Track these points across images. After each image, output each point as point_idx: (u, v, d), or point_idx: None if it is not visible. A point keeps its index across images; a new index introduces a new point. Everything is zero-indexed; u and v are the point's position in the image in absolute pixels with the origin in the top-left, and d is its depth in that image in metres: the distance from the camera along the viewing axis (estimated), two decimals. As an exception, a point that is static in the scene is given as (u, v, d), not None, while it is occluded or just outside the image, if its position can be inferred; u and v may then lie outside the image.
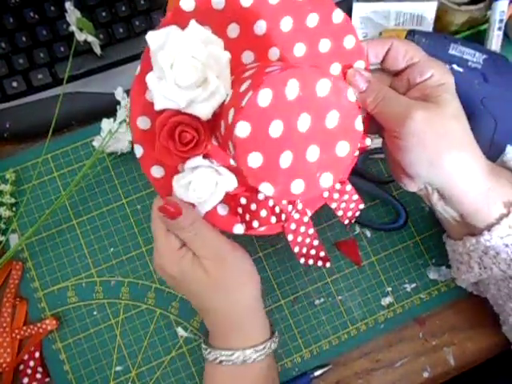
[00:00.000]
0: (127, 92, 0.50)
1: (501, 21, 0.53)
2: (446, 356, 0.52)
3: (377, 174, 0.55)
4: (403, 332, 0.52)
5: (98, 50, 0.53)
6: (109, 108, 0.52)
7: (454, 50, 0.49)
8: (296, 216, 0.44)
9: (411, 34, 0.50)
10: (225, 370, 0.42)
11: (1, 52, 0.53)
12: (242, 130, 0.32)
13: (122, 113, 0.49)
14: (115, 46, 0.55)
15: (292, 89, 0.32)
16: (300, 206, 0.43)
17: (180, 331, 0.51)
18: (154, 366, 0.50)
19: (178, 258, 0.40)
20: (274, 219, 0.40)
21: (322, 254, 0.47)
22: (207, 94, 0.36)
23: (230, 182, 0.40)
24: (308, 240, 0.46)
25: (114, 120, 0.50)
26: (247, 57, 0.40)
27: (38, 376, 0.49)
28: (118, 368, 0.50)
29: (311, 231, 0.46)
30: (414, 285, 0.53)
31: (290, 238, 0.45)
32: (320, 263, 0.48)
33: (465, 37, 0.56)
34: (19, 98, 0.53)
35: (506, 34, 0.56)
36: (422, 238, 0.54)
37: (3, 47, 0.53)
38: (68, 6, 0.50)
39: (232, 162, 0.39)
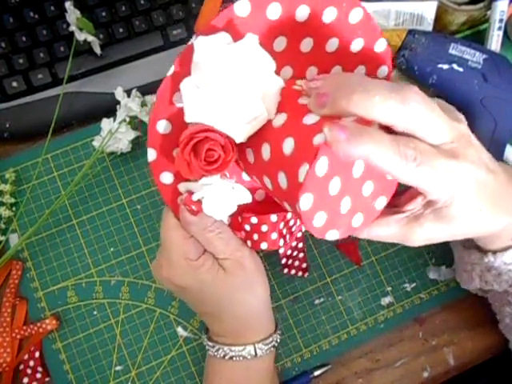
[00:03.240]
0: (127, 92, 0.50)
1: (501, 21, 0.53)
2: (446, 356, 0.52)
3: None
4: (403, 332, 0.52)
5: (97, 50, 0.53)
6: (109, 108, 0.52)
7: (454, 49, 0.49)
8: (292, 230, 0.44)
9: (411, 34, 0.50)
10: (234, 366, 0.43)
11: (1, 52, 0.53)
12: (306, 203, 0.32)
13: (121, 113, 0.49)
14: (115, 46, 0.55)
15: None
16: (298, 223, 0.43)
17: (180, 331, 0.51)
18: (154, 366, 0.50)
19: (195, 269, 0.40)
20: (281, 242, 0.40)
21: (304, 265, 0.49)
22: (249, 117, 0.34)
23: (243, 197, 0.38)
24: (295, 253, 0.47)
25: (114, 120, 0.50)
26: (287, 72, 0.38)
27: (38, 376, 0.49)
28: (118, 368, 0.50)
29: (301, 245, 0.47)
30: (413, 284, 0.53)
31: (281, 250, 0.45)
32: (300, 273, 0.50)
33: (465, 37, 0.56)
34: (19, 98, 0.53)
35: (506, 34, 0.56)
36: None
37: (3, 47, 0.53)
38: (68, 5, 0.50)
39: (245, 176, 0.38)
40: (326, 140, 0.31)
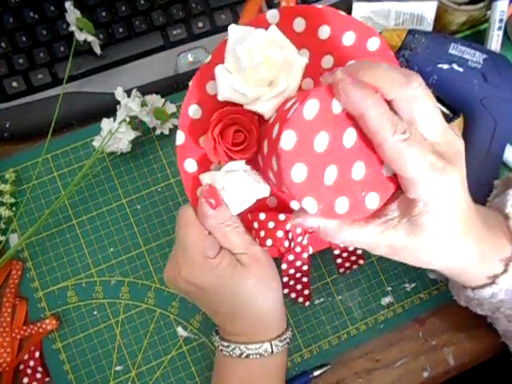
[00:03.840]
0: (127, 92, 0.50)
1: (501, 21, 0.53)
2: (446, 356, 0.52)
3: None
4: (403, 332, 0.52)
5: (97, 50, 0.53)
6: (109, 108, 0.52)
7: (454, 49, 0.49)
8: (297, 249, 0.44)
9: (411, 34, 0.50)
10: (250, 364, 0.42)
11: (1, 52, 0.53)
12: (288, 140, 0.31)
13: (121, 113, 0.50)
14: (115, 46, 0.55)
15: (337, 104, 0.32)
16: (305, 242, 0.43)
17: (180, 331, 0.51)
18: (154, 366, 0.50)
19: (213, 267, 0.40)
20: (287, 243, 0.40)
21: (306, 292, 0.48)
22: (274, 93, 0.37)
23: (262, 191, 0.39)
24: (299, 275, 0.47)
25: (114, 120, 0.50)
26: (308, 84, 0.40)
27: (38, 376, 0.49)
28: (118, 368, 0.50)
29: (305, 268, 0.46)
30: (413, 284, 0.53)
31: (283, 266, 0.45)
32: (301, 299, 0.49)
33: (465, 37, 0.56)
34: (19, 98, 0.53)
35: (506, 34, 0.56)
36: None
37: (3, 47, 0.53)
38: (68, 5, 0.50)
39: (272, 178, 0.38)
40: (334, 79, 0.32)
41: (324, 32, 0.39)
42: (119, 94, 0.50)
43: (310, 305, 0.52)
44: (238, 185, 0.38)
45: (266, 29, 0.37)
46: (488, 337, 0.51)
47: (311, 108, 0.31)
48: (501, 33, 0.54)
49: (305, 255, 0.45)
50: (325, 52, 0.39)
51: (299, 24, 0.39)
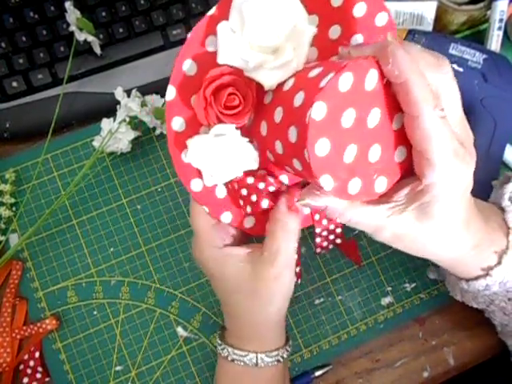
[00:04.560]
0: (127, 92, 0.50)
1: (501, 21, 0.53)
2: (446, 356, 0.52)
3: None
4: (403, 332, 0.52)
5: (97, 50, 0.53)
6: (109, 108, 0.52)
7: (454, 49, 0.49)
8: None
9: (411, 34, 0.50)
10: (236, 368, 0.42)
11: (1, 52, 0.53)
12: (319, 111, 0.30)
13: (121, 113, 0.50)
14: (115, 46, 0.55)
15: (372, 78, 0.31)
16: None
17: (180, 331, 0.51)
18: (154, 366, 0.50)
19: (220, 256, 0.40)
20: (265, 203, 0.39)
21: (297, 269, 0.46)
22: (279, 63, 0.34)
23: (251, 161, 0.38)
24: None
25: (114, 120, 0.50)
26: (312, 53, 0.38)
27: (38, 376, 0.49)
28: (118, 368, 0.50)
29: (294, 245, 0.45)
30: (413, 284, 0.53)
31: None
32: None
33: (465, 37, 0.56)
34: (19, 98, 0.53)
35: (506, 34, 0.56)
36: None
37: (3, 47, 0.53)
38: (68, 5, 0.50)
39: (279, 149, 0.36)
40: (382, 43, 0.31)
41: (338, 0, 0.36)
42: (119, 94, 0.50)
43: (310, 305, 0.52)
44: (224, 151, 0.36)
45: None
46: (488, 337, 0.51)
47: (346, 81, 0.30)
48: (501, 33, 0.54)
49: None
50: (334, 21, 0.37)
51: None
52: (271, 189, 0.39)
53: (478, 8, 0.53)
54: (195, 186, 0.39)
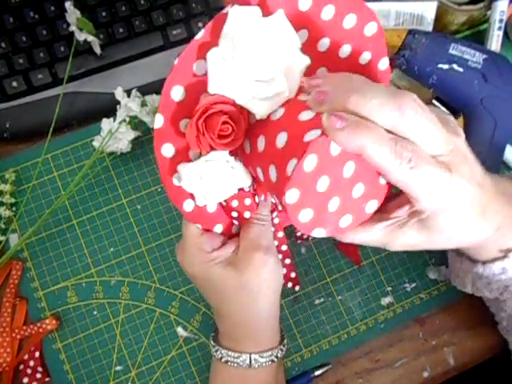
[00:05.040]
0: (127, 92, 0.50)
1: (501, 21, 0.53)
2: (446, 356, 0.52)
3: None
4: (403, 332, 0.52)
5: (97, 50, 0.53)
6: (109, 108, 0.52)
7: (454, 49, 0.49)
8: (271, 229, 0.44)
9: (411, 34, 0.50)
10: (230, 370, 0.42)
11: (1, 52, 0.53)
12: (292, 197, 0.32)
13: (121, 113, 0.49)
14: (115, 46, 0.55)
15: (335, 147, 0.32)
16: (277, 220, 0.43)
17: (180, 331, 0.51)
18: (154, 366, 0.50)
19: (206, 261, 0.41)
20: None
21: (293, 274, 0.47)
22: (271, 92, 0.34)
23: (243, 180, 0.39)
24: (280, 256, 0.45)
25: (114, 120, 0.50)
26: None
27: (38, 376, 0.49)
28: (118, 368, 0.50)
29: (284, 248, 0.45)
30: (413, 284, 0.53)
31: None
32: (290, 284, 0.48)
33: (465, 37, 0.56)
34: (19, 98, 0.53)
35: (506, 34, 0.56)
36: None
37: (3, 47, 0.53)
38: (68, 5, 0.50)
39: (260, 174, 0.38)
40: (323, 128, 0.31)
41: (328, 12, 0.37)
42: (119, 94, 0.50)
43: (310, 305, 0.52)
44: (217, 175, 0.36)
45: (268, 2, 0.34)
46: (488, 337, 0.51)
47: (310, 162, 0.31)
48: (501, 33, 0.54)
49: (280, 234, 0.44)
50: (323, 34, 0.38)
51: (305, 2, 0.36)
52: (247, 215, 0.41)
53: (478, 8, 0.53)
54: (187, 206, 0.40)
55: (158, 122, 0.36)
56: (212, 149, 0.36)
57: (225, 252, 0.41)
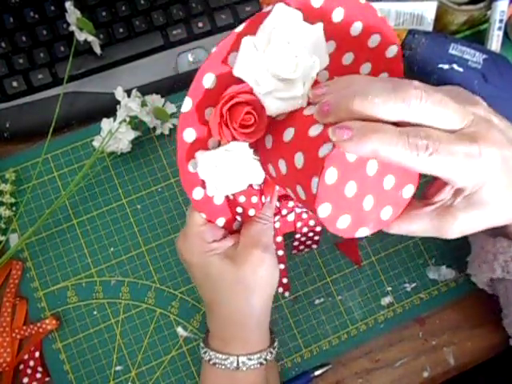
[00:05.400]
0: (127, 92, 0.50)
1: (501, 21, 0.53)
2: (446, 356, 0.52)
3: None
4: (403, 332, 0.52)
5: (97, 50, 0.53)
6: (109, 108, 0.52)
7: (454, 49, 0.49)
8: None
9: (411, 34, 0.50)
10: (218, 372, 0.42)
11: (1, 52, 0.53)
12: (324, 211, 0.33)
13: (121, 113, 0.50)
14: (115, 46, 0.55)
15: (351, 154, 0.32)
16: (277, 225, 0.44)
17: (180, 331, 0.51)
18: (154, 366, 0.50)
19: (206, 250, 0.41)
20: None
21: (285, 280, 0.48)
22: (287, 95, 0.35)
23: (257, 176, 0.39)
24: None
25: (114, 120, 0.50)
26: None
27: (38, 376, 0.49)
28: (118, 368, 0.50)
29: (280, 253, 0.46)
30: (413, 284, 0.53)
31: None
32: (280, 290, 0.49)
33: (465, 37, 0.56)
34: (19, 98, 0.53)
35: (506, 34, 0.56)
36: (421, 237, 0.54)
37: (3, 47, 0.53)
38: (68, 5, 0.50)
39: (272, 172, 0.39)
40: (333, 142, 0.31)
41: (356, 28, 0.38)
42: (119, 93, 0.50)
43: (310, 305, 0.52)
44: (233, 166, 0.37)
45: (301, 9, 0.35)
46: (488, 337, 0.51)
47: (331, 175, 0.32)
48: (501, 33, 0.54)
49: (278, 239, 0.45)
50: (349, 48, 0.39)
51: (338, 14, 0.37)
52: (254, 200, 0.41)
53: (478, 8, 0.53)
54: (197, 194, 0.40)
55: (186, 105, 0.36)
56: (233, 138, 0.37)
57: (224, 244, 0.42)
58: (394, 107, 0.31)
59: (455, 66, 0.49)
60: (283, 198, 0.43)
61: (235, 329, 0.42)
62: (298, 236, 0.48)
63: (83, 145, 0.54)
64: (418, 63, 0.50)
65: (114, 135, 0.50)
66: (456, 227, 0.36)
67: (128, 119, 0.50)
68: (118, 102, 0.50)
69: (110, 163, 0.54)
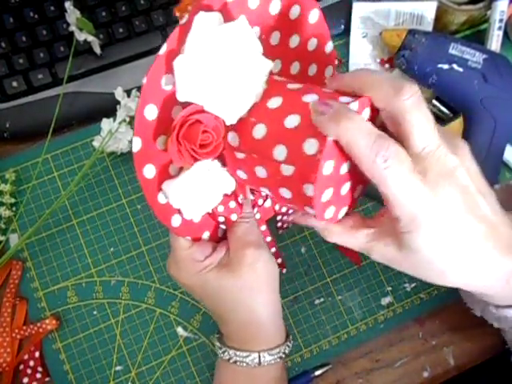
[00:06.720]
0: (127, 92, 0.50)
1: (501, 21, 0.53)
2: (446, 356, 0.52)
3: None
4: (403, 332, 0.52)
5: (97, 50, 0.53)
6: (109, 108, 0.52)
7: (454, 49, 0.49)
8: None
9: (411, 34, 0.50)
10: (238, 370, 0.42)
11: (1, 52, 0.53)
12: (325, 195, 0.33)
13: (121, 113, 0.50)
14: (115, 46, 0.55)
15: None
16: (258, 216, 0.43)
17: (180, 331, 0.51)
18: (154, 366, 0.50)
19: (200, 269, 0.40)
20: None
21: (279, 260, 0.47)
22: (237, 97, 0.35)
23: (228, 185, 0.39)
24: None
25: (114, 120, 0.50)
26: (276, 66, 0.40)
27: (38, 376, 0.49)
28: (118, 368, 0.50)
29: (268, 239, 0.45)
30: (413, 284, 0.53)
31: None
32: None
33: (465, 37, 0.56)
34: (19, 98, 0.53)
35: (506, 34, 0.56)
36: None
37: (3, 47, 0.53)
38: (68, 5, 0.50)
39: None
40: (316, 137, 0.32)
41: (295, 11, 0.38)
42: (119, 94, 0.50)
43: (310, 305, 0.52)
44: (203, 186, 0.36)
45: (231, 9, 0.34)
46: (488, 337, 0.51)
47: (328, 167, 0.32)
48: (501, 33, 0.54)
49: (263, 228, 0.44)
50: (293, 31, 0.39)
51: (275, 5, 0.37)
52: (232, 205, 0.41)
53: (477, 8, 0.53)
54: (175, 221, 0.39)
55: (136, 145, 0.34)
56: (195, 160, 0.36)
57: (217, 257, 0.41)
58: (386, 90, 0.32)
59: (455, 66, 0.49)
60: (254, 188, 0.43)
61: (251, 329, 0.42)
62: (279, 217, 0.48)
63: (83, 145, 0.54)
64: (417, 63, 0.50)
65: (114, 135, 0.50)
66: (380, 254, 0.36)
67: (128, 119, 0.50)
68: (118, 102, 0.50)
69: (110, 163, 0.54)
